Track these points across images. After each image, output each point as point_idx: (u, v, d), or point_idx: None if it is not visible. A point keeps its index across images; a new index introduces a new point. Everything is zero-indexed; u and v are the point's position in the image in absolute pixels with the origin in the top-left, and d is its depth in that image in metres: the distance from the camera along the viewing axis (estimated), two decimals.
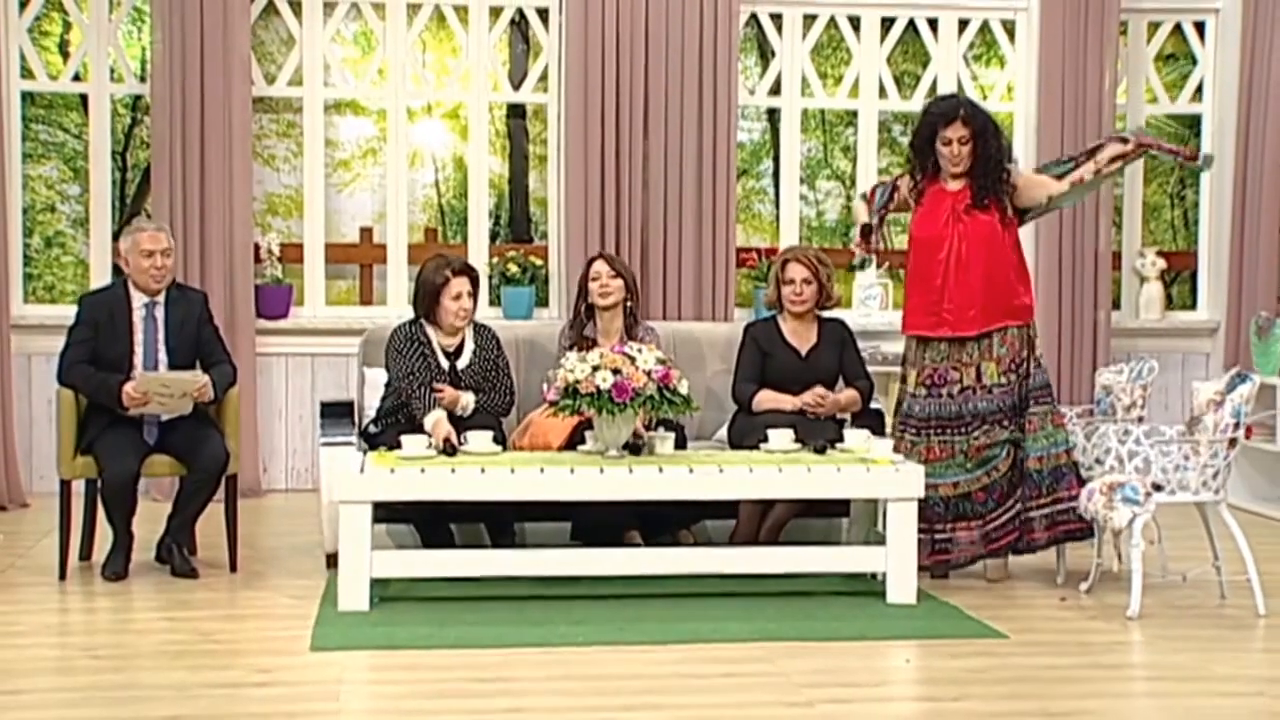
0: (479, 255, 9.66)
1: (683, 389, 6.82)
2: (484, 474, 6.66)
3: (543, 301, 9.70)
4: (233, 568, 7.25)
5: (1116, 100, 9.99)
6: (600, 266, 7.74)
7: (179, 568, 7.15)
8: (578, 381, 6.71)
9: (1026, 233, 8.98)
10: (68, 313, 9.69)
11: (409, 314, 8.73)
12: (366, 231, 9.96)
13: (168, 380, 7.08)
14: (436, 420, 7.16)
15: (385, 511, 6.91)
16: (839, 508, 7.57)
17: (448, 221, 11.13)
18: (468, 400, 7.37)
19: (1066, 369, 9.89)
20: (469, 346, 7.50)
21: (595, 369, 6.70)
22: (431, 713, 5.16)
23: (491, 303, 9.55)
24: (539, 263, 9.71)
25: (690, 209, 9.56)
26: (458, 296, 7.41)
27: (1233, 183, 10.01)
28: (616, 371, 6.70)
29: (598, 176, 9.48)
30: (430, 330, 7.48)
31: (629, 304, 7.75)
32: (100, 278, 9.36)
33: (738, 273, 9.68)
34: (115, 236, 9.32)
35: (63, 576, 7.08)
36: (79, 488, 7.34)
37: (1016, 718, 5.17)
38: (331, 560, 7.34)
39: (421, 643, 6.01)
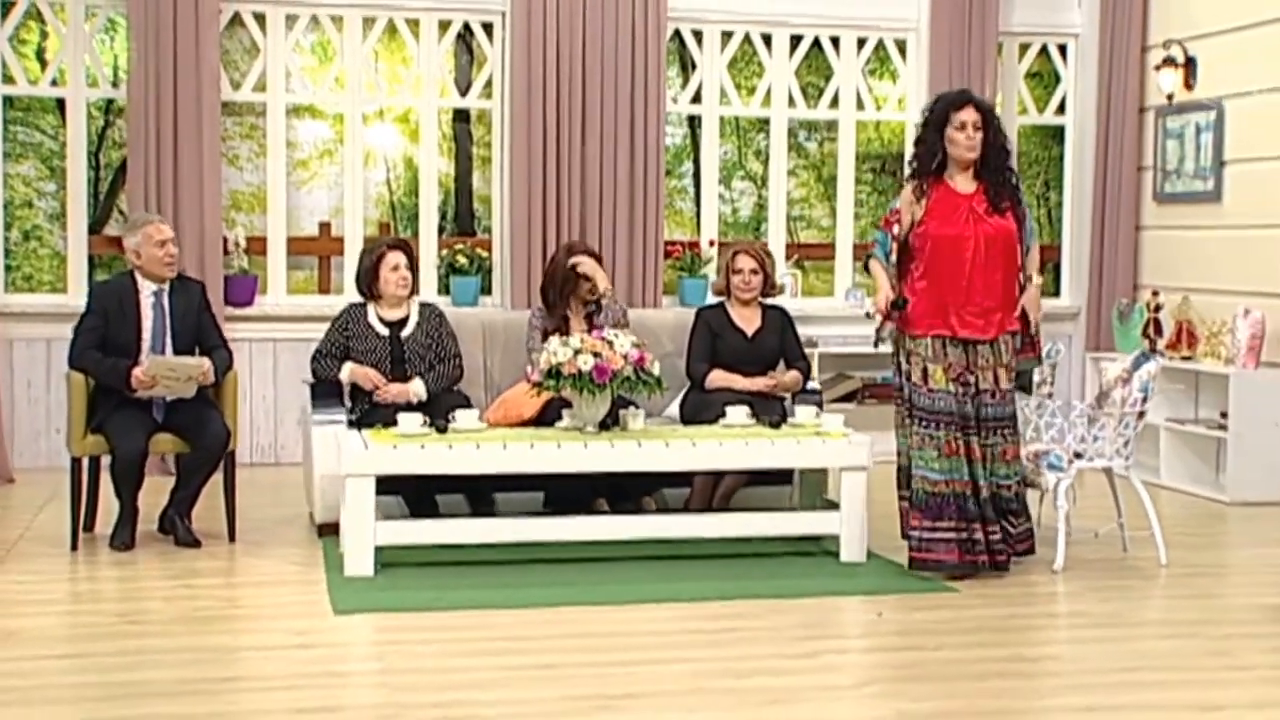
0: (429, 248, 9.51)
1: (655, 370, 6.81)
2: (479, 449, 6.59)
3: (487, 290, 9.60)
4: (231, 537, 7.07)
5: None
6: (590, 265, 7.67)
7: (182, 538, 6.97)
8: (560, 364, 6.66)
9: None
10: (45, 301, 9.55)
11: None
12: (325, 226, 9.80)
13: (174, 364, 6.91)
14: (353, 370, 7.32)
15: (376, 485, 6.78)
16: (782, 477, 7.59)
17: (398, 217, 11.00)
18: (416, 387, 7.31)
19: None
20: (413, 320, 7.49)
21: (577, 352, 6.66)
22: (474, 670, 5.07)
23: (441, 291, 9.42)
24: (484, 255, 9.60)
25: (623, 205, 9.49)
26: (395, 268, 7.43)
27: (1093, 184, 10.16)
28: (596, 355, 6.65)
29: (539, 176, 9.37)
30: (372, 307, 7.48)
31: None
32: (77, 268, 9.14)
33: (665, 263, 9.65)
34: (91, 230, 9.15)
35: (74, 547, 6.87)
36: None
37: (996, 663, 5.20)
38: (323, 530, 7.24)
39: (435, 605, 5.93)
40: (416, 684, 4.87)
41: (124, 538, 6.90)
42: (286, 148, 9.57)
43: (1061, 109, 10.52)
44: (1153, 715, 4.64)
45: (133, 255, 7.11)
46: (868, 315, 6.82)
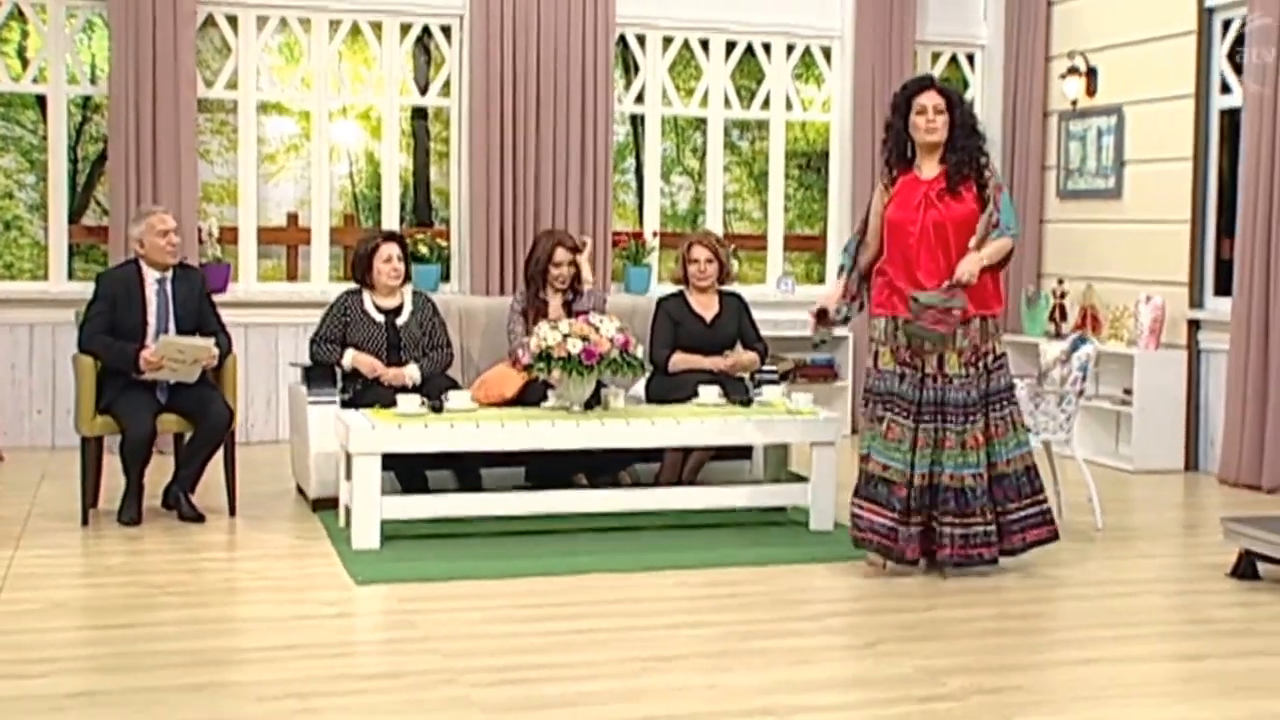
0: None
1: (639, 354, 6.87)
2: (478, 428, 6.60)
3: (445, 277, 9.58)
4: (232, 512, 7.00)
5: None
6: (563, 254, 7.66)
7: (186, 513, 6.90)
8: (550, 347, 6.70)
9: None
10: (27, 288, 9.38)
11: (332, 290, 8.69)
12: (293, 217, 9.72)
13: (182, 345, 6.83)
14: (355, 356, 7.26)
15: None
16: (742, 452, 7.70)
17: (360, 208, 10.91)
18: (412, 372, 7.31)
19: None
20: (407, 308, 7.46)
21: (566, 336, 6.71)
22: (516, 636, 5.06)
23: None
24: (444, 244, 9.58)
25: (574, 198, 9.52)
26: (388, 259, 7.37)
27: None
28: (584, 339, 6.70)
29: (495, 170, 9.36)
30: (367, 295, 7.43)
31: (576, 277, 7.73)
32: (57, 256, 9.00)
33: (613, 252, 9.71)
34: (70, 220, 9.00)
35: (85, 522, 6.77)
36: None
37: (987, 621, 5.30)
38: (317, 504, 7.21)
39: (452, 575, 5.90)
40: (465, 650, 4.84)
41: (132, 513, 6.82)
42: (256, 143, 9.47)
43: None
44: (1148, 666, 4.79)
45: (137, 245, 7.03)
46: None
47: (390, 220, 9.51)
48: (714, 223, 10.12)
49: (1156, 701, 4.43)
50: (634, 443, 6.84)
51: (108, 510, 6.91)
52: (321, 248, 9.51)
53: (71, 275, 9.23)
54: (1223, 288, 8.70)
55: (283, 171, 10.45)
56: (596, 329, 6.75)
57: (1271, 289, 8.05)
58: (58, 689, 4.39)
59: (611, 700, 4.33)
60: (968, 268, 5.80)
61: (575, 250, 7.70)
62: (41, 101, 8.85)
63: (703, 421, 6.81)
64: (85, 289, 8.98)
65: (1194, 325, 8.77)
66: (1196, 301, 8.79)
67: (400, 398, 6.79)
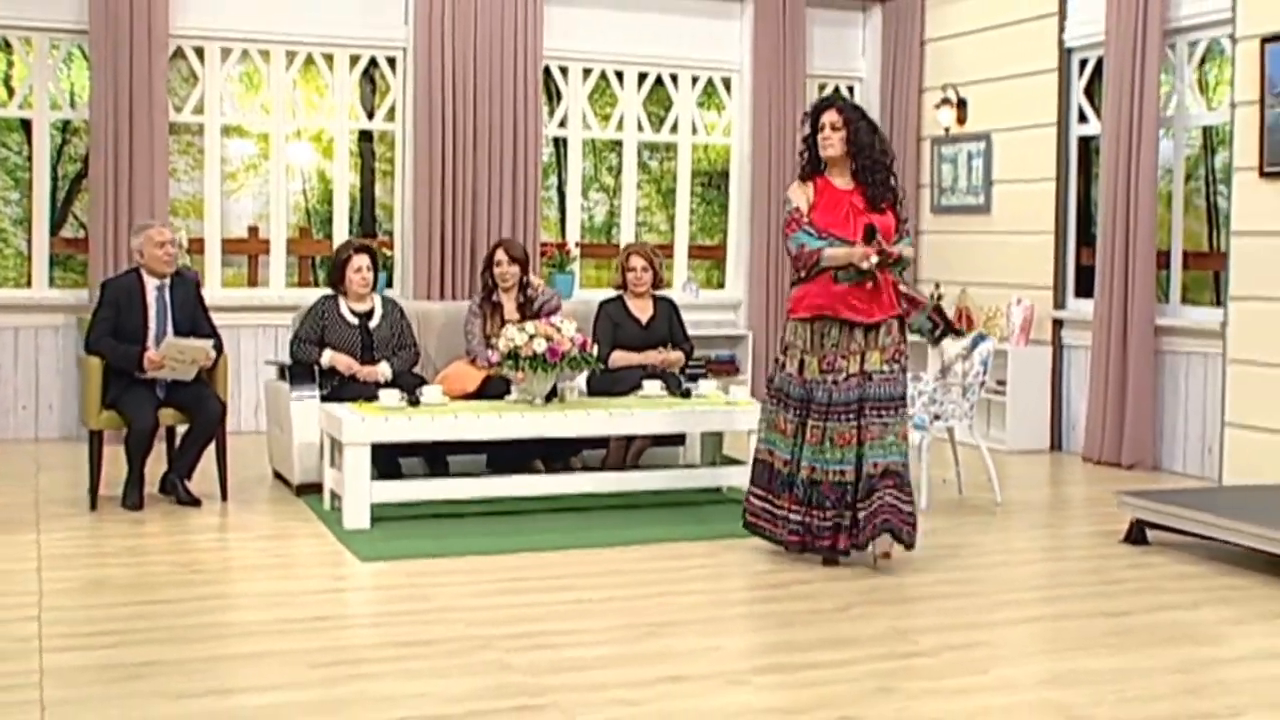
0: None
1: (594, 352, 6.92)
2: (457, 419, 6.60)
3: (390, 283, 9.48)
4: (223, 497, 6.92)
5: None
6: (501, 255, 7.68)
7: (183, 498, 6.82)
8: (518, 347, 6.72)
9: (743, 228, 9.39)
10: (11, 295, 9.14)
11: (289, 295, 8.66)
12: (254, 230, 9.58)
13: (183, 346, 6.75)
14: (333, 356, 7.20)
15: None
16: (677, 439, 7.78)
17: (313, 221, 10.74)
18: (383, 370, 7.27)
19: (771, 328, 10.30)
20: (378, 312, 7.43)
21: (532, 337, 6.73)
22: (520, 605, 5.04)
23: None
24: (388, 253, 9.50)
25: (506, 212, 9.49)
26: (359, 270, 7.35)
27: None
28: (548, 339, 6.73)
29: (436, 186, 9.32)
30: (342, 301, 7.38)
31: (523, 278, 7.73)
32: (39, 266, 8.81)
33: (540, 261, 9.70)
34: (52, 232, 8.80)
35: (93, 507, 6.65)
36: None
37: (935, 586, 5.41)
38: (300, 490, 7.14)
39: (444, 551, 5.89)
40: (485, 619, 4.81)
41: (134, 499, 6.71)
42: (220, 162, 9.29)
43: None
44: (1083, 621, 4.91)
45: (137, 255, 6.93)
46: (863, 270, 5.58)
47: (341, 233, 9.41)
48: (629, 234, 10.19)
49: (1107, 651, 4.52)
50: (593, 431, 6.87)
51: (108, 496, 6.77)
52: (279, 257, 9.38)
53: (52, 283, 9.03)
54: (1082, 291, 9.00)
55: (243, 188, 10.28)
56: (559, 329, 6.78)
57: (1129, 292, 8.33)
58: (127, 659, 4.34)
59: (635, 662, 4.36)
60: (898, 247, 5.65)
61: (516, 259, 7.68)
62: (26, 125, 8.60)
63: (653, 412, 6.88)
64: (65, 296, 8.89)
65: (1058, 324, 9.06)
66: (1060, 303, 9.08)
67: (382, 393, 6.77)
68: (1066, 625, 4.88)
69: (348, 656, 4.39)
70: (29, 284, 8.93)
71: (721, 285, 10.59)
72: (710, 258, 11.52)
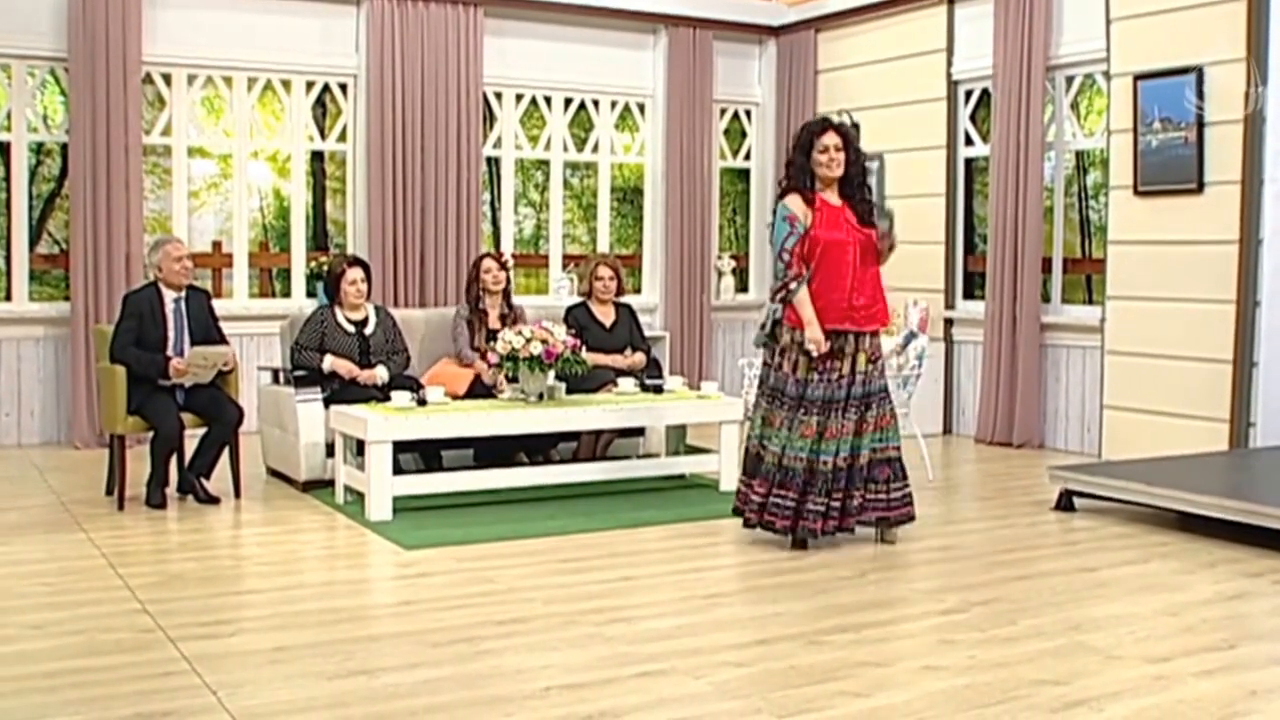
0: (299, 261, 9.40)
1: (584, 355, 7.14)
2: (469, 417, 6.75)
3: None
4: (237, 494, 6.94)
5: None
6: (490, 263, 7.83)
7: (202, 497, 6.84)
8: (516, 349, 6.90)
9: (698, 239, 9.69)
10: None
11: (254, 305, 8.67)
12: (217, 244, 9.50)
13: (207, 353, 6.79)
14: (335, 361, 7.26)
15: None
16: (639, 431, 8.02)
17: (269, 236, 10.64)
18: (381, 373, 7.36)
19: (687, 333, 10.64)
20: (372, 320, 7.51)
21: (528, 340, 6.92)
22: (576, 584, 5.10)
23: (309, 294, 9.32)
24: None
25: (451, 226, 9.62)
26: (353, 282, 7.44)
27: (771, 212, 10.99)
28: (544, 342, 6.93)
29: (387, 203, 9.40)
30: (338, 310, 7.45)
31: (507, 288, 7.90)
32: (19, 281, 8.66)
33: None
34: (31, 247, 8.64)
35: (121, 507, 6.62)
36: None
37: (923, 553, 5.68)
38: (306, 486, 7.19)
39: (474, 539, 5.92)
40: (554, 597, 4.84)
41: (158, 498, 6.72)
42: (186, 181, 9.19)
43: (748, 156, 11.27)
44: (1067, 577, 5.24)
45: (155, 270, 6.92)
46: (806, 353, 5.70)
47: (299, 247, 9.41)
48: (555, 245, 10.39)
49: (1101, 601, 4.85)
50: (586, 425, 7.09)
51: (129, 496, 6.72)
52: (241, 269, 9.33)
53: (31, 298, 8.81)
54: (969, 293, 9.55)
55: (205, 205, 10.14)
56: (552, 333, 6.99)
57: (1018, 293, 8.89)
58: (257, 645, 4.32)
59: (716, 629, 4.47)
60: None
61: (504, 266, 7.88)
62: (4, 148, 8.39)
63: (639, 406, 7.14)
64: (45, 309, 8.72)
65: (949, 322, 9.58)
66: (950, 304, 9.61)
67: (395, 394, 6.88)
68: (1055, 580, 5.21)
69: (461, 635, 4.38)
70: (9, 298, 8.72)
71: (638, 290, 10.86)
72: (627, 265, 11.68)
